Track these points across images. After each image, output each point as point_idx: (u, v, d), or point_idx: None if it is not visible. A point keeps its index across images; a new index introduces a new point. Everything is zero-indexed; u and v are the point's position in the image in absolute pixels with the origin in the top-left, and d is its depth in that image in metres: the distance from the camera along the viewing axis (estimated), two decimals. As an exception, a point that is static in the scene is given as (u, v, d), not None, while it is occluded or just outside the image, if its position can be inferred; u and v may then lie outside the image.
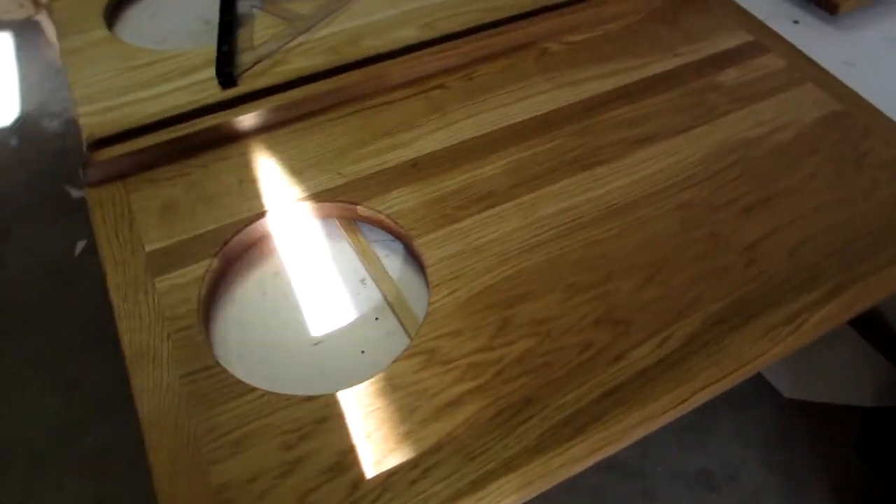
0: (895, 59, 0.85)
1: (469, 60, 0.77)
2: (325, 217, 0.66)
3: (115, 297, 0.57)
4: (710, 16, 0.86)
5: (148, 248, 0.60)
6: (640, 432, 0.51)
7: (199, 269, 0.59)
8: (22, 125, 1.70)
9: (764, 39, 0.83)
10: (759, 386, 1.40)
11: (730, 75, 0.78)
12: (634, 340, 0.55)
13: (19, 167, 1.64)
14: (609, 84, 0.75)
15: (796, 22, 0.92)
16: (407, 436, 0.50)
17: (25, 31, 1.98)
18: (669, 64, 0.78)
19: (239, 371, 0.56)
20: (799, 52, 0.82)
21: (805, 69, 0.79)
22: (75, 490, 1.19)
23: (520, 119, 0.71)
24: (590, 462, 0.49)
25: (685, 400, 0.51)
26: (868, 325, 1.33)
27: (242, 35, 0.82)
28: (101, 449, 1.24)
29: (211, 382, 0.52)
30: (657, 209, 0.64)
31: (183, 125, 0.68)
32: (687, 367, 0.53)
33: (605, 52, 0.79)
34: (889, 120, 0.74)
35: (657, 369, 0.53)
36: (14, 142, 1.63)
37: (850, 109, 0.75)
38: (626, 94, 0.74)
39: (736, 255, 0.61)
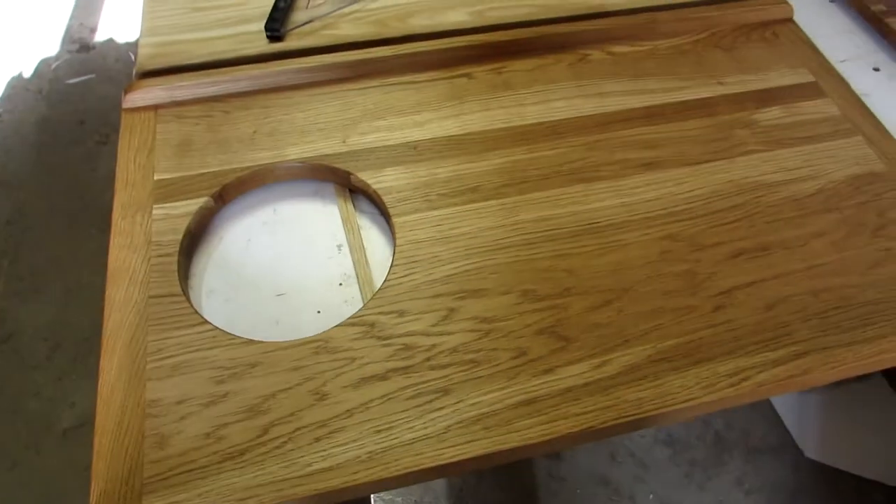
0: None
1: (502, 54, 0.77)
2: (322, 179, 0.69)
3: (115, 214, 0.63)
4: (775, 49, 0.82)
5: (157, 177, 0.66)
6: (544, 448, 0.52)
7: (194, 205, 0.64)
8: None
9: (824, 82, 0.78)
10: (782, 437, 1.34)
11: (769, 114, 0.74)
12: (570, 358, 0.55)
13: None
14: (635, 102, 0.73)
15: (877, 69, 0.86)
16: (325, 396, 0.53)
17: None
18: (708, 92, 0.76)
19: (204, 304, 0.61)
20: (859, 101, 0.77)
21: (858, 121, 0.75)
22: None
23: (532, 121, 0.71)
24: (483, 462, 0.51)
25: (591, 427, 0.51)
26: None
27: (303, -6, 0.86)
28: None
29: (171, 308, 0.57)
30: (639, 236, 0.63)
31: (219, 71, 0.73)
32: (614, 395, 0.53)
33: (646, 69, 0.78)
34: (930, 192, 0.69)
35: (583, 391, 0.54)
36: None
37: (893, 172, 0.70)
38: (649, 115, 0.72)
39: (706, 298, 0.59)
